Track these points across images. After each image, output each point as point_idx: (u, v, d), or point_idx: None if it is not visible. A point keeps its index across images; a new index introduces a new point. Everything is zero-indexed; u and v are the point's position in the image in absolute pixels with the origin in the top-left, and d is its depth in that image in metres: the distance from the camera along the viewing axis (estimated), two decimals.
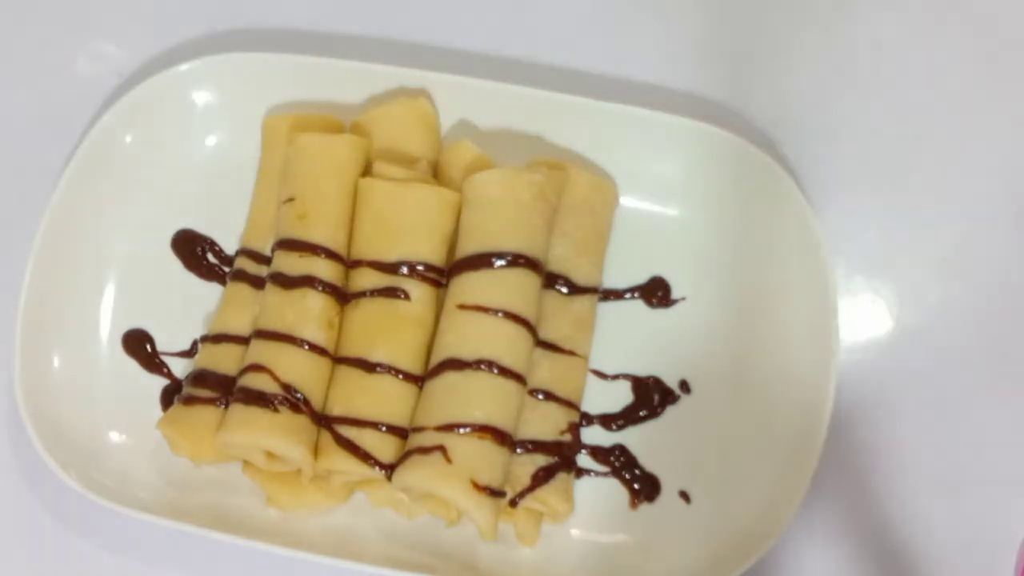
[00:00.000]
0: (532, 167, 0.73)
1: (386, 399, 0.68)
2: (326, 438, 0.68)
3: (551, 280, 0.72)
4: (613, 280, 0.75)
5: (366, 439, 0.67)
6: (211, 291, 0.75)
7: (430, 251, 0.71)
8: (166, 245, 0.76)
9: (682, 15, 0.82)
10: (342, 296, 0.71)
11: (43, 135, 0.79)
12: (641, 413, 0.73)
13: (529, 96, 0.74)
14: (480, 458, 0.65)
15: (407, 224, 0.71)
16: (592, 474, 0.72)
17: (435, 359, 0.69)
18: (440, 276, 0.71)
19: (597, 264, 0.74)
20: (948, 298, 0.76)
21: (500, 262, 0.69)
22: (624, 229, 0.76)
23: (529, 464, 0.68)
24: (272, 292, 0.71)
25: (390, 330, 0.69)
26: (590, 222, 0.73)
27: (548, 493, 0.68)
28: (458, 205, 0.72)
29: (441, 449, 0.65)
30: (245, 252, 0.74)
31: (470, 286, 0.69)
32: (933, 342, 0.75)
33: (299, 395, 0.68)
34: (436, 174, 0.75)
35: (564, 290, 0.72)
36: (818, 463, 0.67)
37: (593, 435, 0.72)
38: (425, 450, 0.65)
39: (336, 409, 0.69)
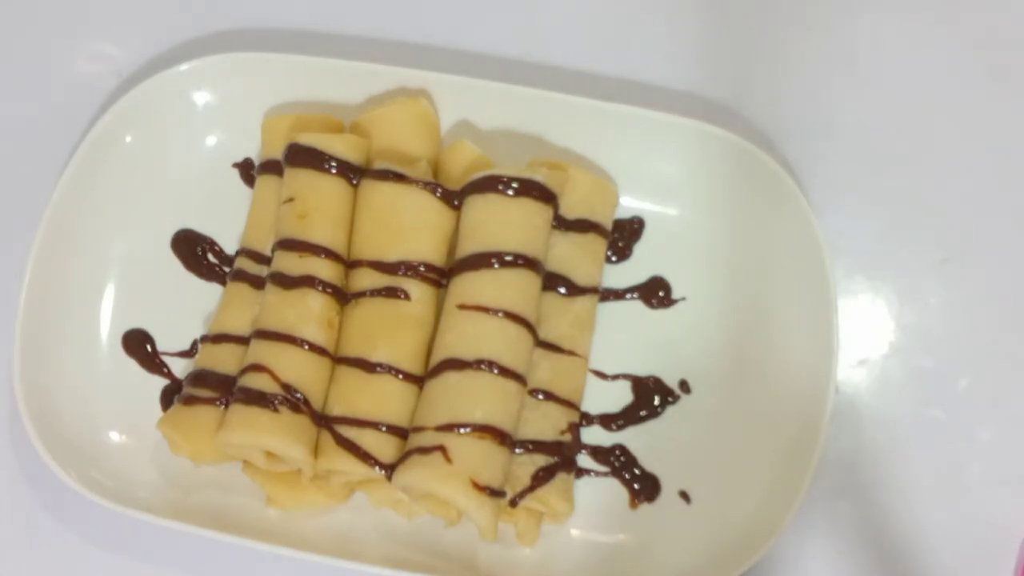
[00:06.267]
0: (532, 167, 0.73)
1: (386, 399, 0.68)
2: (326, 438, 0.68)
3: (551, 280, 0.72)
4: (613, 280, 0.75)
5: (366, 439, 0.67)
6: (211, 291, 0.75)
7: (430, 251, 0.71)
8: (166, 245, 0.76)
9: (682, 15, 0.82)
10: (342, 296, 0.71)
11: (43, 135, 0.79)
12: (641, 413, 0.73)
13: (529, 96, 0.74)
14: (480, 458, 0.65)
15: (407, 224, 0.71)
16: (592, 474, 0.72)
17: (435, 359, 0.69)
18: (440, 276, 0.71)
19: (597, 264, 0.74)
20: (948, 298, 0.76)
21: (500, 262, 0.69)
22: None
23: (529, 464, 0.68)
24: (272, 292, 0.71)
25: (390, 330, 0.69)
26: (590, 222, 0.73)
27: (548, 493, 0.68)
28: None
29: (441, 449, 0.65)
30: (245, 252, 0.74)
31: (470, 286, 0.69)
32: (933, 342, 0.75)
33: (299, 395, 0.68)
34: (436, 174, 0.75)
35: (564, 290, 0.72)
36: (818, 463, 0.67)
37: (593, 435, 0.72)
38: (425, 450, 0.65)
39: (336, 409, 0.69)
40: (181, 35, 0.82)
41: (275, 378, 0.68)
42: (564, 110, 0.74)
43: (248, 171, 0.78)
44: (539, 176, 0.70)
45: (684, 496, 0.71)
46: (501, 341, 0.68)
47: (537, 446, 0.69)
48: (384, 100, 0.76)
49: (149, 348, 0.75)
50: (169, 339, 0.75)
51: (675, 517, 0.70)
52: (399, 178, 0.71)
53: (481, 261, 0.69)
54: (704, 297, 0.74)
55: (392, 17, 0.82)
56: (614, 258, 0.75)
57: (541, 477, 0.68)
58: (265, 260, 0.73)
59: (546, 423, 0.69)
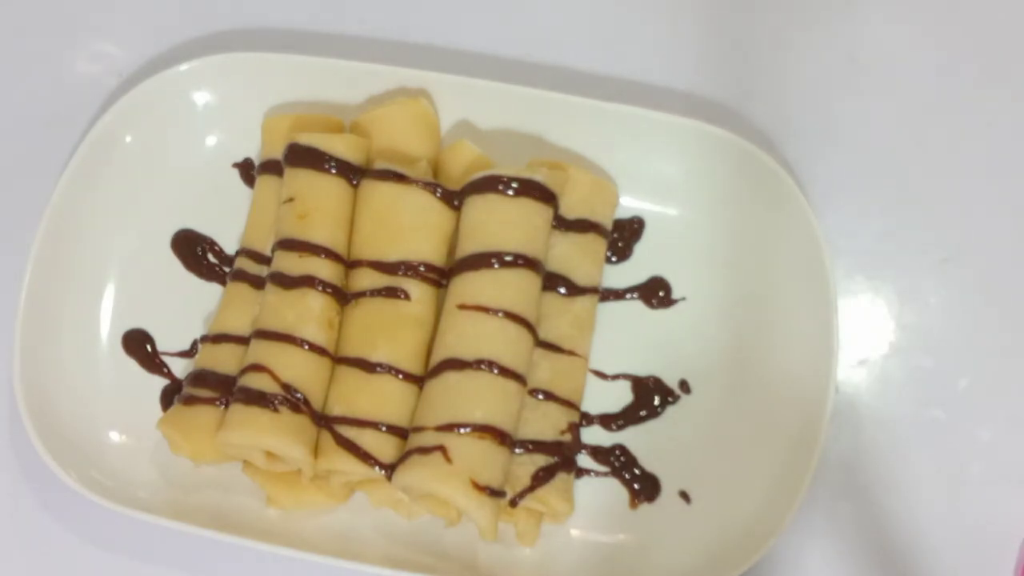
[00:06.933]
0: (532, 167, 0.73)
1: (386, 399, 0.68)
2: (326, 438, 0.68)
3: (551, 280, 0.72)
4: (613, 280, 0.75)
5: (366, 439, 0.67)
6: (211, 291, 0.75)
7: (430, 251, 0.71)
8: (166, 245, 0.76)
9: (682, 15, 0.82)
10: (342, 296, 0.71)
11: (43, 135, 0.79)
12: (641, 413, 0.73)
13: (529, 96, 0.74)
14: (480, 458, 0.65)
15: (407, 224, 0.71)
16: (592, 474, 0.72)
17: (435, 359, 0.69)
18: (440, 276, 0.71)
19: (597, 264, 0.74)
20: (948, 298, 0.76)
21: (500, 262, 0.69)
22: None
23: (529, 464, 0.68)
24: (272, 292, 0.71)
25: (390, 330, 0.69)
26: (590, 222, 0.73)
27: (548, 493, 0.68)
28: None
29: (441, 449, 0.65)
30: (245, 252, 0.74)
31: (470, 286, 0.69)
32: (933, 342, 0.75)
33: (299, 395, 0.68)
34: (436, 174, 0.75)
35: (564, 290, 0.72)
36: (818, 463, 0.67)
37: (593, 435, 0.72)
38: (425, 450, 0.65)
39: (336, 409, 0.69)
40: (181, 35, 0.82)
41: (275, 378, 0.68)
42: (564, 110, 0.74)
43: (248, 171, 0.78)
44: (539, 176, 0.70)
45: (684, 496, 0.71)
46: (501, 341, 0.68)
47: (537, 446, 0.69)
48: (384, 100, 0.76)
49: (149, 348, 0.75)
50: (169, 339, 0.75)
51: (675, 517, 0.70)
52: (399, 178, 0.71)
53: (481, 261, 0.69)
54: (704, 297, 0.74)
55: (392, 17, 0.82)
56: (614, 258, 0.75)
57: (541, 477, 0.68)
58: (265, 260, 0.73)
59: (546, 423, 0.69)
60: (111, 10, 0.83)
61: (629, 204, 0.76)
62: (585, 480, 0.71)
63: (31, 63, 0.82)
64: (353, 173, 0.72)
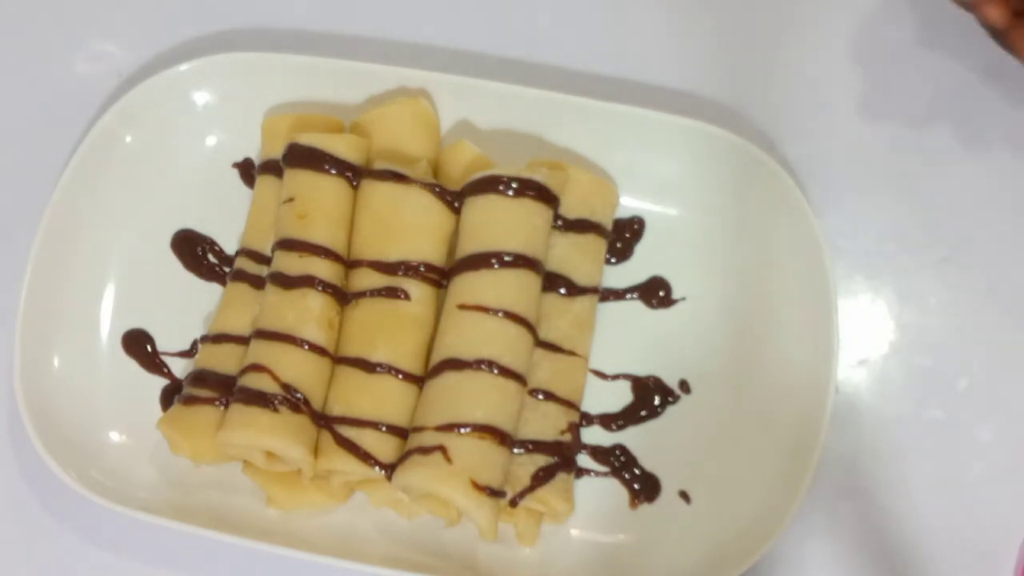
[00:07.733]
0: (532, 167, 0.73)
1: (386, 399, 0.68)
2: (326, 438, 0.68)
3: (551, 280, 0.72)
4: (613, 280, 0.75)
5: (366, 439, 0.67)
6: (211, 291, 0.75)
7: (430, 251, 0.71)
8: (166, 245, 0.76)
9: (682, 15, 0.82)
10: (342, 296, 0.71)
11: (43, 135, 0.79)
12: (641, 413, 0.73)
13: (529, 96, 0.74)
14: (480, 458, 0.65)
15: (407, 224, 0.71)
16: (592, 474, 0.72)
17: (435, 359, 0.69)
18: (440, 276, 0.71)
19: (597, 264, 0.74)
20: (948, 298, 0.76)
21: (500, 262, 0.69)
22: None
23: (529, 464, 0.68)
24: (272, 292, 0.71)
25: (390, 330, 0.69)
26: (590, 222, 0.73)
27: (548, 493, 0.68)
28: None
29: (441, 449, 0.65)
30: (245, 252, 0.74)
31: (470, 286, 0.69)
32: (933, 342, 0.75)
33: (299, 395, 0.68)
34: (436, 174, 0.75)
35: (564, 290, 0.72)
36: (818, 463, 0.67)
37: (593, 435, 0.72)
38: (425, 450, 0.65)
39: (336, 409, 0.69)
40: (181, 35, 0.82)
41: (275, 378, 0.68)
42: (564, 110, 0.74)
43: (248, 171, 0.78)
44: (539, 176, 0.70)
45: (684, 496, 0.71)
46: (501, 341, 0.68)
47: (537, 446, 0.69)
48: (384, 100, 0.76)
49: (149, 348, 0.74)
50: (169, 339, 0.75)
51: (675, 517, 0.70)
52: (399, 178, 0.71)
53: (481, 261, 0.69)
54: (704, 297, 0.74)
55: (392, 17, 0.82)
56: (613, 259, 0.75)
57: (541, 477, 0.68)
58: (265, 260, 0.73)
59: (546, 423, 0.69)
60: (111, 10, 0.83)
61: (629, 204, 0.76)
62: (585, 480, 0.71)
63: (31, 63, 0.82)
64: (353, 173, 0.72)
